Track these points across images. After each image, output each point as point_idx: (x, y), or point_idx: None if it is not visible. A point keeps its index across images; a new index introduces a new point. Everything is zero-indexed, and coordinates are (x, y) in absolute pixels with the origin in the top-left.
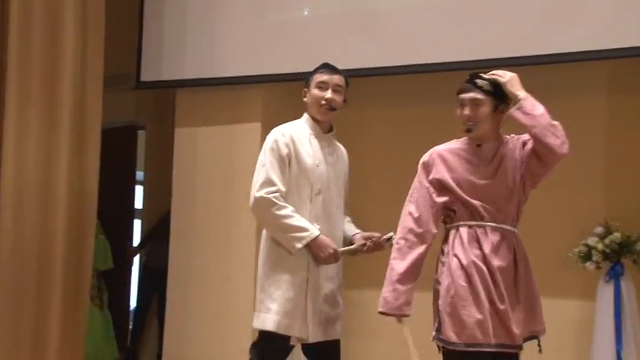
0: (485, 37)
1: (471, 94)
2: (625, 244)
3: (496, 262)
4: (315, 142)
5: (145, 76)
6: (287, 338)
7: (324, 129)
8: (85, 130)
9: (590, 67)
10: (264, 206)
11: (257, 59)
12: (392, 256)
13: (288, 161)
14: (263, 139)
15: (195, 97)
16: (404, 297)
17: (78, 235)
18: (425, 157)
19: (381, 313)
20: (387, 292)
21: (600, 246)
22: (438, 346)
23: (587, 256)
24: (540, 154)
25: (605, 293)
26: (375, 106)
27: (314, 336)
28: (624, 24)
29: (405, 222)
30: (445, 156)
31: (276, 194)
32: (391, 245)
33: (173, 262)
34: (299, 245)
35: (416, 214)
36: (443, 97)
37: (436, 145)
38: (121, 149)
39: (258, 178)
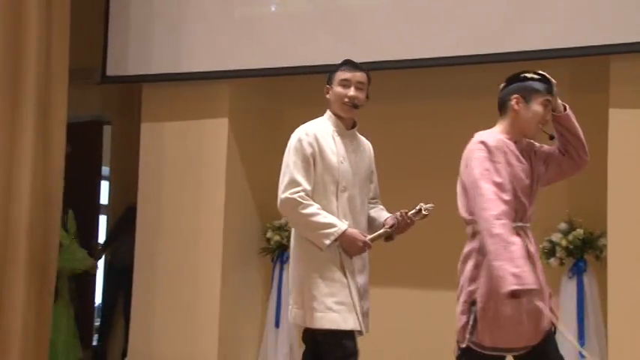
0: (450, 35)
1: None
2: (588, 240)
3: (539, 266)
4: (338, 139)
5: (111, 70)
6: (352, 333)
7: (347, 125)
8: (50, 128)
9: (552, 65)
10: (290, 207)
11: (224, 54)
12: (499, 232)
13: (312, 160)
14: (230, 134)
15: (161, 92)
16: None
17: (42, 236)
18: (490, 140)
19: (519, 291)
20: (519, 267)
21: (564, 242)
22: (463, 347)
23: (550, 253)
24: (568, 163)
25: (569, 289)
26: None
27: (365, 328)
28: (585, 23)
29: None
30: (509, 147)
31: (301, 194)
32: (422, 217)
33: (139, 258)
34: (327, 241)
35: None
36: (407, 94)
37: (384, 142)
38: (86, 144)
39: (283, 179)
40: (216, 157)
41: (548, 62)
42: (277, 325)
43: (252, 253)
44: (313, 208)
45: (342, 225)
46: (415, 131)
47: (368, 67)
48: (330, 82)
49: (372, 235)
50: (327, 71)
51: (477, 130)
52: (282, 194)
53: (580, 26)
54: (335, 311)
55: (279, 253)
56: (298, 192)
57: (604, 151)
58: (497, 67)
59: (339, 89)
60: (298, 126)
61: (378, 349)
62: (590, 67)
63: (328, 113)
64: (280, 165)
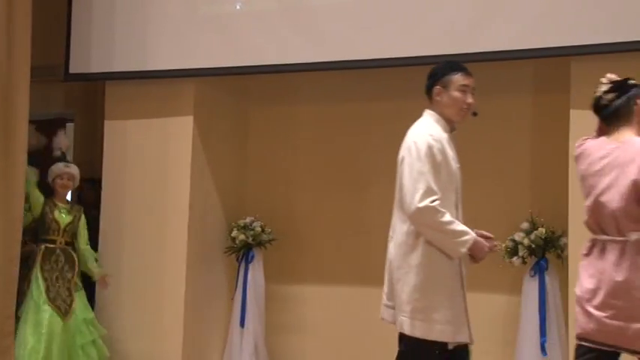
0: (415, 36)
1: None
2: (549, 239)
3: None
4: (451, 144)
5: (74, 68)
6: (446, 344)
7: (452, 129)
8: (12, 124)
9: (516, 66)
10: (429, 215)
11: (189, 52)
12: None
13: (440, 167)
14: (195, 132)
15: (125, 90)
16: None
17: (4, 231)
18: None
19: None
20: None
21: (526, 241)
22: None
23: (513, 251)
24: None
25: (531, 287)
26: (306, 101)
27: (473, 338)
28: (549, 25)
29: None
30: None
31: (438, 202)
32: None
33: (103, 256)
34: (464, 249)
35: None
36: (374, 94)
37: (358, 141)
38: (49, 141)
39: (417, 186)
40: (180, 156)
41: (511, 63)
42: (242, 324)
43: (218, 252)
44: (448, 216)
45: (472, 232)
46: (380, 131)
47: (334, 67)
48: (441, 83)
49: (492, 243)
50: (293, 70)
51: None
52: (419, 203)
53: (542, 28)
54: (452, 324)
55: (244, 252)
56: (436, 200)
57: (565, 151)
58: None
59: (457, 94)
60: (263, 124)
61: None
62: (552, 68)
63: (435, 116)
64: (246, 163)
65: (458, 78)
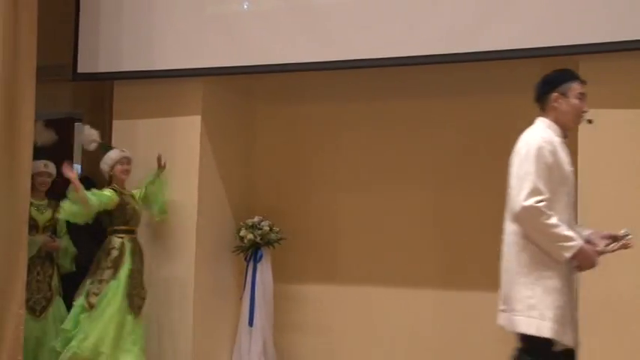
0: (420, 35)
1: None
2: None
3: None
4: (565, 148)
5: (82, 67)
6: (555, 344)
7: (565, 135)
8: (17, 122)
9: (523, 65)
10: (533, 215)
11: (197, 52)
12: None
13: (551, 170)
14: (203, 132)
15: (133, 90)
16: None
17: (10, 230)
18: None
19: None
20: None
21: None
22: None
23: None
24: None
25: None
26: (313, 100)
27: (577, 342)
28: (556, 23)
29: None
30: None
31: (545, 203)
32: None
33: None
34: (568, 254)
35: None
36: (379, 93)
37: (365, 140)
38: (57, 141)
39: (522, 185)
40: (188, 155)
41: (518, 62)
42: (251, 323)
43: (226, 251)
44: (554, 219)
45: (579, 239)
46: (386, 130)
47: (341, 66)
48: (562, 91)
49: (601, 249)
50: (299, 69)
51: (451, 127)
52: (524, 202)
53: (549, 26)
54: (555, 323)
55: (252, 251)
56: (542, 201)
57: (574, 150)
58: (468, 67)
59: (576, 102)
60: (270, 124)
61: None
62: (559, 67)
63: (547, 122)
64: (254, 162)
65: (576, 86)
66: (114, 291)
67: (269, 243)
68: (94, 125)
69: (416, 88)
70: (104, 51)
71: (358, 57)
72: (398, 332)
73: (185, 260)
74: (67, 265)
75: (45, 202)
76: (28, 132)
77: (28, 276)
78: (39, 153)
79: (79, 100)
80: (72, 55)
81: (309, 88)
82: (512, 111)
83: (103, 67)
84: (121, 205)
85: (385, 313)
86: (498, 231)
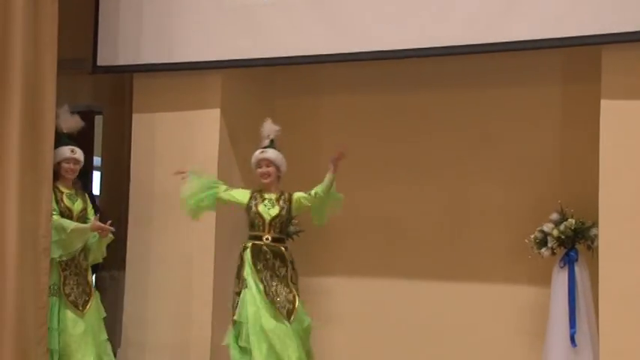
0: (443, 26)
1: None
2: (579, 230)
3: None
4: None
5: (102, 60)
6: None
7: None
8: (39, 114)
9: (545, 56)
10: None
11: (216, 45)
12: None
13: None
14: (222, 124)
15: (153, 82)
16: None
17: (34, 221)
18: None
19: None
20: None
21: (555, 232)
22: None
23: (542, 243)
24: None
25: (560, 279)
26: (333, 92)
27: None
28: (579, 12)
29: None
30: None
31: None
32: None
33: (131, 248)
34: None
35: None
36: (400, 84)
37: (384, 133)
38: (78, 134)
39: None
40: (208, 148)
41: (540, 52)
42: None
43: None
44: None
45: None
46: (405, 122)
47: (360, 58)
48: None
49: None
50: (319, 61)
51: (469, 119)
52: None
53: (572, 16)
54: None
55: None
56: None
57: (596, 141)
58: (489, 58)
59: None
60: (289, 116)
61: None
62: (582, 57)
63: None
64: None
65: None
66: None
67: (288, 235)
68: (114, 118)
69: (436, 79)
70: (124, 44)
71: (378, 49)
72: (417, 325)
73: (205, 252)
74: (100, 254)
75: (72, 190)
76: (50, 123)
77: (64, 271)
78: (67, 135)
79: (99, 93)
80: (92, 48)
81: (328, 81)
82: (534, 102)
83: (122, 60)
84: None
85: (404, 306)
86: (522, 225)
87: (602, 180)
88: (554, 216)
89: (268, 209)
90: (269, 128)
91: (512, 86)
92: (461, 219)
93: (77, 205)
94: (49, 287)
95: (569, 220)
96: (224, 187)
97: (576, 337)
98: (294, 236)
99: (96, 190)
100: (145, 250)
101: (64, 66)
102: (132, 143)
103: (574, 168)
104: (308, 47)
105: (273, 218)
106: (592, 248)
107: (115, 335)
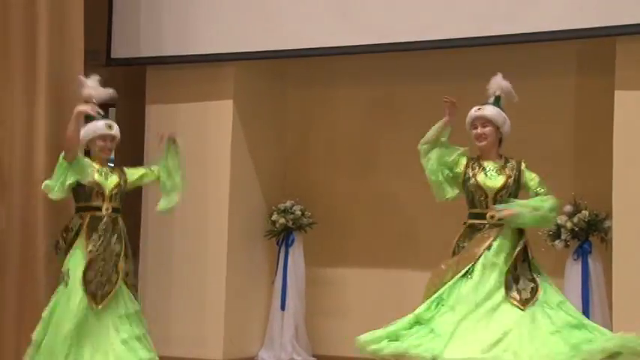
0: (456, 17)
1: None
2: (593, 222)
3: None
4: None
5: (116, 52)
6: None
7: None
8: (64, 106)
9: (559, 47)
10: None
11: (229, 37)
12: None
13: None
14: (235, 116)
15: (166, 74)
16: None
17: (59, 213)
18: None
19: None
20: None
21: (569, 224)
22: None
23: (555, 235)
24: None
25: (574, 271)
26: (345, 84)
27: None
28: (593, 3)
29: None
30: None
31: None
32: None
33: (145, 242)
34: None
35: None
36: (416, 76)
37: (397, 124)
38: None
39: None
40: (221, 140)
41: (554, 44)
42: (283, 307)
43: (258, 236)
44: None
45: None
46: (419, 113)
47: (372, 50)
48: None
49: None
50: (331, 53)
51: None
52: None
53: (586, 8)
54: None
55: (284, 236)
56: None
57: (610, 133)
58: (503, 49)
59: None
60: (302, 107)
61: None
62: (596, 49)
63: None
64: (286, 147)
65: None
66: None
67: (301, 227)
68: (127, 111)
69: (450, 71)
70: (137, 36)
71: (391, 41)
72: None
73: (218, 244)
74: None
75: (106, 168)
76: None
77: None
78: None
79: (113, 85)
80: (105, 41)
81: (340, 72)
82: (548, 93)
83: (135, 52)
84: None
85: (417, 297)
86: None
87: (615, 172)
88: (568, 208)
89: (492, 179)
90: (496, 84)
91: (526, 78)
92: None
93: (111, 181)
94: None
95: (583, 212)
96: None
97: None
98: (307, 228)
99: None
100: (159, 243)
101: None
102: (145, 135)
103: (588, 159)
104: (320, 39)
105: (498, 190)
106: (606, 240)
107: None
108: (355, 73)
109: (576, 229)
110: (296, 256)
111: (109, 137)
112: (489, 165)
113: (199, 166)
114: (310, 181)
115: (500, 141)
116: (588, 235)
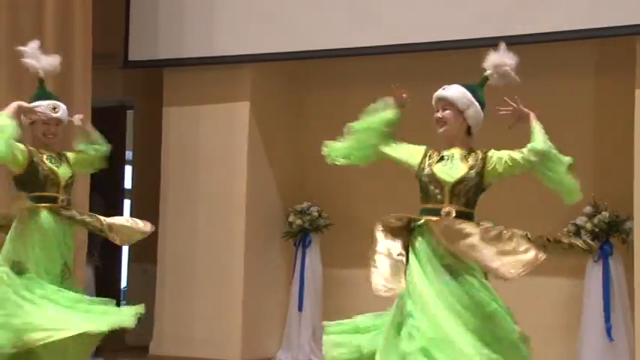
0: (473, 17)
1: None
2: (614, 223)
3: None
4: None
5: (133, 55)
6: None
7: None
8: (72, 107)
9: (578, 47)
10: None
11: (246, 38)
12: None
13: None
14: (252, 118)
15: (183, 76)
16: None
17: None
18: None
19: None
20: None
21: (589, 225)
22: None
23: (576, 235)
24: None
25: (594, 272)
26: (361, 85)
27: None
28: (612, 3)
29: None
30: None
31: None
32: None
33: (162, 242)
34: None
35: None
36: (431, 77)
37: (414, 125)
38: (110, 129)
39: None
40: (238, 141)
41: (573, 44)
42: (300, 308)
43: (275, 237)
44: None
45: None
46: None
47: (387, 51)
48: None
49: None
50: (347, 55)
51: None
52: None
53: (605, 7)
54: None
55: (301, 237)
56: None
57: (630, 133)
58: (523, 49)
59: None
60: (319, 109)
61: None
62: (616, 48)
63: None
64: (302, 148)
65: None
66: None
67: (318, 229)
68: (145, 113)
69: (467, 71)
70: (154, 39)
71: (406, 42)
72: None
73: (235, 245)
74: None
75: (54, 153)
76: (85, 117)
77: None
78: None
79: (131, 87)
80: (123, 43)
81: (357, 73)
82: (567, 93)
83: (153, 55)
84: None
85: None
86: (555, 218)
87: (636, 172)
88: (588, 209)
89: (449, 169)
90: (490, 61)
91: (545, 78)
92: (494, 212)
93: (64, 172)
94: None
95: (603, 213)
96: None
97: (612, 331)
98: (324, 229)
99: (128, 183)
100: (176, 244)
101: (96, 61)
102: (162, 137)
103: (608, 160)
104: (336, 41)
105: (456, 183)
106: (627, 242)
107: (149, 329)
108: (371, 74)
109: (596, 230)
110: (313, 257)
111: (53, 120)
112: (449, 154)
113: (216, 168)
114: (327, 183)
115: (469, 129)
116: (609, 236)
